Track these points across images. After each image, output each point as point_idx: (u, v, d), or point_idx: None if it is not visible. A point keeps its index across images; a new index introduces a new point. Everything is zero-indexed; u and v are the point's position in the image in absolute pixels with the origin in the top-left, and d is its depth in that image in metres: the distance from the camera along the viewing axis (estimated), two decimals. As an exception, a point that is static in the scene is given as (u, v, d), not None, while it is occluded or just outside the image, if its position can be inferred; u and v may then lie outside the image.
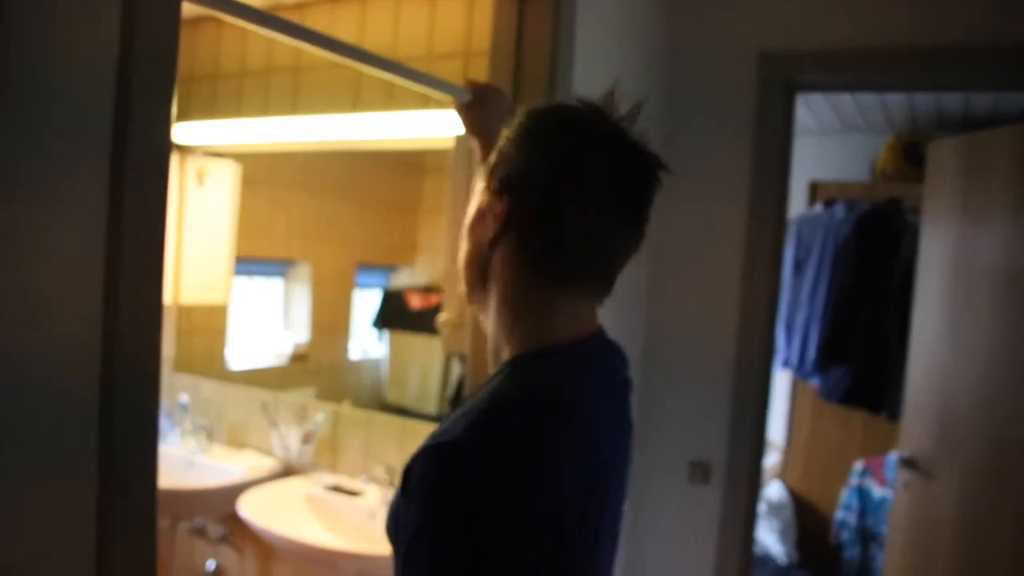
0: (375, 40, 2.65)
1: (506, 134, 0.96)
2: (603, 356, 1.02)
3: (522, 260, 0.93)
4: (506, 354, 0.95)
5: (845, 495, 3.65)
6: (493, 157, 0.97)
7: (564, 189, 0.91)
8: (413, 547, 0.80)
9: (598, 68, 1.96)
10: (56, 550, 0.97)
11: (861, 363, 3.49)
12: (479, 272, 0.97)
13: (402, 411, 2.90)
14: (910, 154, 3.54)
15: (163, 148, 1.06)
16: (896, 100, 3.46)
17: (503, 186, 0.93)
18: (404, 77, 1.50)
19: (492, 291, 0.96)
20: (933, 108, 3.55)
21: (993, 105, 3.42)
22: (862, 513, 3.61)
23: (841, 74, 2.29)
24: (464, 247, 0.99)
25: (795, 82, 2.30)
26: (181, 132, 3.10)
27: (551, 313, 0.93)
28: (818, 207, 3.81)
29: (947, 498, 2.52)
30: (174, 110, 1.06)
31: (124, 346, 1.00)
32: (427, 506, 0.79)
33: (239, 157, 3.17)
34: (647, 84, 2.30)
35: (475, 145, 1.56)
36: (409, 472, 0.83)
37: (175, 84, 1.06)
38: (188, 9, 1.08)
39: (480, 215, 0.97)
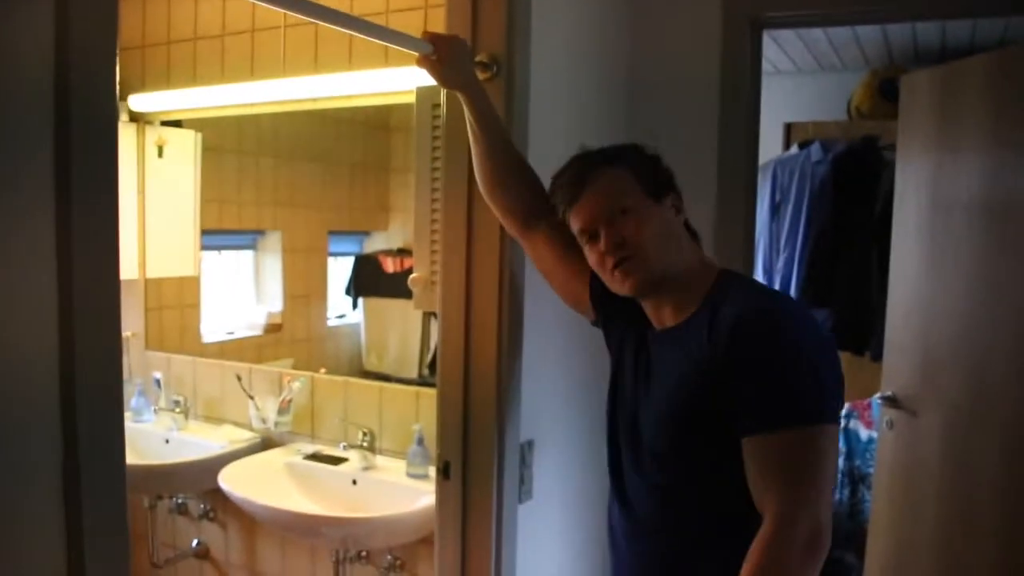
0: (330, -5, 2.57)
1: (636, 161, 1.39)
2: None
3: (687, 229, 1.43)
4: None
5: (832, 438, 3.64)
6: (637, 179, 1.36)
7: None
8: None
9: (557, 11, 1.89)
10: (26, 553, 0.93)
11: (843, 305, 3.45)
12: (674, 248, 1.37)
13: (382, 377, 2.85)
14: (886, 90, 3.48)
15: (109, 120, 1.01)
16: (871, 36, 3.39)
17: (662, 189, 1.38)
18: (363, 33, 1.48)
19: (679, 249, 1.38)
20: (909, 42, 3.48)
21: (969, 37, 3.35)
22: (849, 455, 3.60)
23: (809, 9, 2.22)
24: (656, 240, 1.34)
25: (762, 19, 2.23)
26: (137, 102, 3.01)
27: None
28: (794, 148, 3.75)
29: (931, 434, 2.51)
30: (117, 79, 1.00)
31: (82, 331, 0.98)
32: None
33: (201, 125, 3.09)
34: (609, 28, 2.23)
35: (460, 97, 1.57)
36: None
37: (116, 52, 1.00)
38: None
39: (659, 215, 1.35)
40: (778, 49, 3.57)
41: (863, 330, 3.41)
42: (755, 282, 1.39)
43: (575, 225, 1.39)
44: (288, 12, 1.33)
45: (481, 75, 1.69)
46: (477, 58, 1.69)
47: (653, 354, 1.42)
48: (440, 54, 1.49)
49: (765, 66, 3.69)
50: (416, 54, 1.50)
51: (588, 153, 1.43)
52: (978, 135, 2.37)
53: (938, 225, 2.51)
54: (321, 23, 1.39)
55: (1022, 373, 2.24)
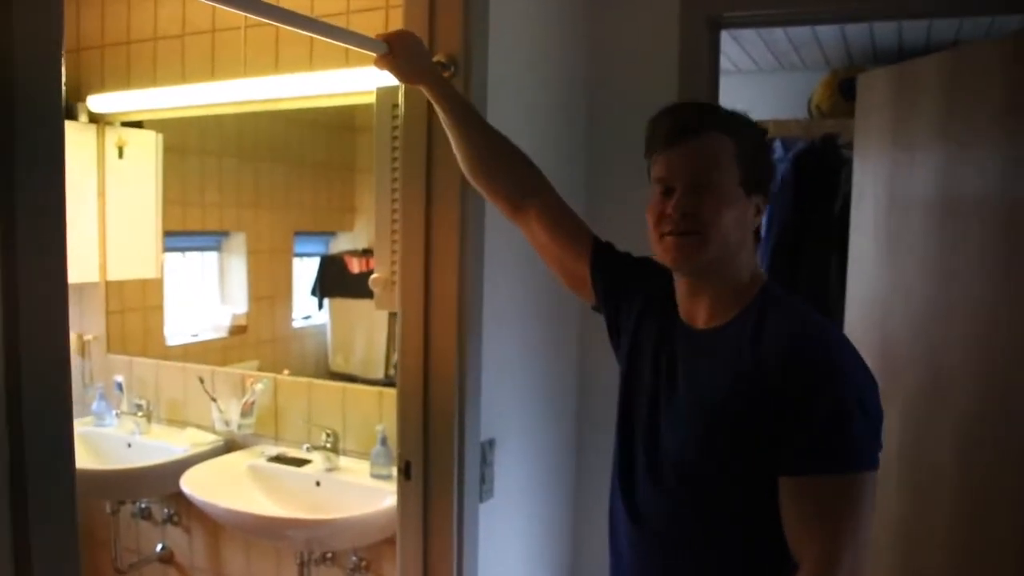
0: (291, -4, 2.56)
1: (746, 142, 1.24)
2: None
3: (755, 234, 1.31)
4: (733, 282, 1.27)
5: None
6: (737, 159, 1.22)
7: None
8: None
9: (515, 10, 1.90)
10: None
11: (805, 300, 3.48)
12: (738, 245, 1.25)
13: (349, 378, 2.84)
14: (845, 89, 3.52)
15: (54, 119, 0.97)
16: (830, 36, 3.43)
17: (756, 187, 1.25)
18: (319, 33, 1.47)
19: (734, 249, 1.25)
20: (867, 43, 3.53)
21: (925, 37, 3.41)
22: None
23: (767, 9, 2.25)
24: (727, 228, 1.21)
25: (720, 19, 2.25)
26: (96, 103, 2.98)
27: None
28: (755, 147, 3.78)
29: (890, 426, 2.50)
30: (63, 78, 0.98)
31: (29, 341, 0.94)
32: None
33: (163, 126, 3.06)
34: (568, 27, 2.24)
35: (424, 92, 1.55)
36: None
37: (61, 49, 0.98)
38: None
39: (741, 207, 1.23)
40: (739, 49, 3.61)
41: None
42: (798, 300, 1.27)
43: (655, 171, 1.26)
44: (244, 13, 1.33)
45: (439, 75, 1.69)
46: (435, 58, 1.69)
47: (680, 352, 1.31)
48: (394, 50, 1.48)
49: (727, 65, 3.75)
50: (374, 54, 1.50)
51: (706, 107, 1.33)
52: (931, 133, 2.41)
53: (894, 221, 2.54)
54: (276, 24, 1.38)
55: (976, 366, 2.28)
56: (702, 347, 1.27)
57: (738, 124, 1.26)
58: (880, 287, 2.60)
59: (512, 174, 1.56)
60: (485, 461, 1.86)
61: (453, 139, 1.56)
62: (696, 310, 1.30)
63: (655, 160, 1.26)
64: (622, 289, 1.46)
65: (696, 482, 1.25)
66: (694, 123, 1.22)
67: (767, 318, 1.21)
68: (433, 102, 1.54)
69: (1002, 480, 2.18)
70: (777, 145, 3.65)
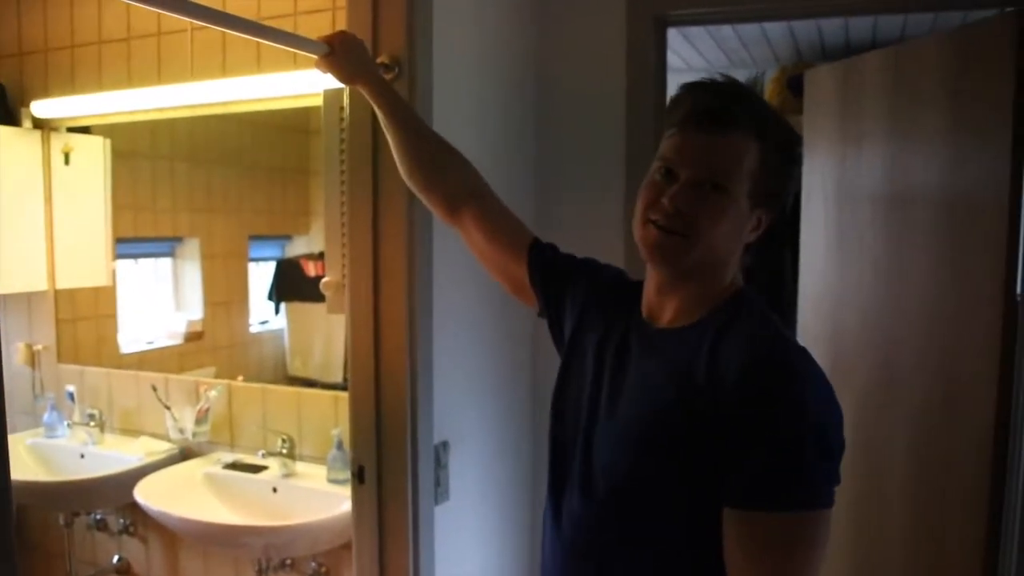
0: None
1: (772, 152, 1.12)
2: None
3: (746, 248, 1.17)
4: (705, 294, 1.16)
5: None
6: (755, 169, 1.10)
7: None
8: None
9: (460, 10, 1.90)
10: None
11: (775, 315, 3.52)
12: (726, 256, 1.15)
13: (308, 382, 2.82)
14: (793, 86, 3.57)
15: None
16: (779, 33, 3.47)
17: (763, 202, 1.13)
18: (261, 37, 1.46)
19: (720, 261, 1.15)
20: (816, 40, 3.57)
21: (871, 34, 3.46)
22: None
23: (712, 6, 2.26)
24: (718, 238, 1.11)
25: (666, 16, 2.26)
26: (40, 108, 2.93)
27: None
28: (708, 144, 3.81)
29: (844, 418, 2.57)
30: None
31: None
32: None
33: (111, 131, 3.02)
34: (514, 27, 2.24)
35: (364, 92, 1.52)
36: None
37: None
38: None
39: (740, 219, 1.12)
40: (690, 47, 3.64)
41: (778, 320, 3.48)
42: (768, 311, 1.15)
43: (664, 147, 1.13)
44: (185, 18, 1.31)
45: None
46: (378, 59, 1.68)
47: (634, 352, 1.20)
48: (334, 51, 1.47)
49: (676, 63, 3.77)
50: (315, 56, 1.49)
51: (746, 95, 1.14)
52: (877, 128, 2.45)
53: (844, 216, 2.58)
54: (217, 28, 1.37)
55: (927, 357, 2.32)
56: (656, 347, 1.17)
57: (774, 128, 1.14)
58: (831, 281, 2.64)
59: (449, 177, 1.52)
60: (439, 463, 1.85)
61: (392, 141, 1.54)
62: (662, 309, 1.19)
63: (669, 135, 1.13)
64: (562, 287, 1.37)
65: (627, 496, 1.14)
66: (728, 113, 1.09)
67: (733, 327, 1.10)
68: (373, 103, 1.53)
69: (954, 469, 2.22)
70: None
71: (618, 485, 1.14)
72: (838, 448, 1.06)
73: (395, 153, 1.54)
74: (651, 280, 1.21)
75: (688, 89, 1.13)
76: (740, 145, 1.08)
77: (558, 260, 1.42)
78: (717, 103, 1.10)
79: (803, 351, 1.09)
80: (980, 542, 2.09)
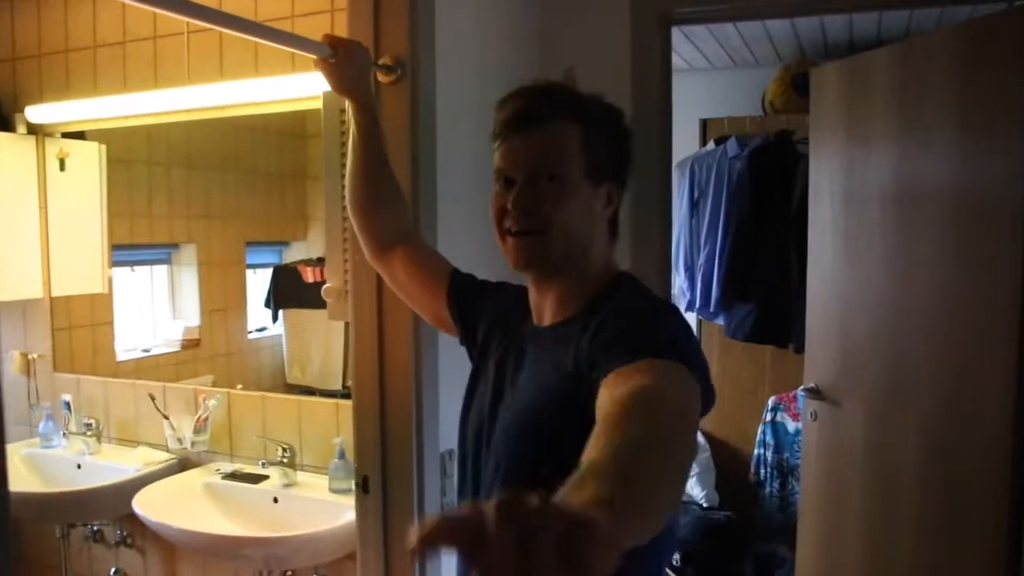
0: (234, 0, 2.50)
1: (597, 127, 1.17)
2: None
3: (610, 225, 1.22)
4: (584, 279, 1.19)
5: (760, 432, 3.68)
6: (584, 147, 1.14)
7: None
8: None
9: (463, 10, 1.86)
10: None
11: (765, 298, 3.49)
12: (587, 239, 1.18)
13: (306, 390, 2.78)
14: (798, 84, 3.53)
15: None
16: (781, 31, 3.44)
17: (605, 177, 1.18)
18: (262, 37, 1.44)
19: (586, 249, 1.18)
20: (819, 37, 3.54)
21: (876, 31, 3.43)
22: (778, 448, 3.65)
23: (716, 4, 2.24)
24: (571, 223, 1.14)
25: (670, 15, 2.23)
26: (34, 113, 2.89)
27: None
28: (710, 145, 3.78)
29: (854, 423, 2.54)
30: None
31: None
32: None
33: (106, 137, 2.98)
34: (517, 28, 2.21)
35: (348, 104, 1.51)
36: None
37: None
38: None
39: (587, 199, 1.15)
40: (692, 46, 3.60)
41: (785, 322, 3.45)
42: (644, 287, 1.20)
43: (496, 160, 1.18)
44: (187, 19, 1.28)
45: (385, 78, 1.66)
46: (380, 60, 1.65)
47: (528, 357, 1.22)
48: (338, 57, 1.44)
49: (680, 63, 3.74)
50: (315, 57, 1.46)
51: (556, 89, 1.19)
52: (885, 126, 2.41)
53: (852, 216, 2.54)
54: (217, 28, 1.34)
55: (937, 361, 2.28)
56: (541, 345, 1.20)
57: (590, 108, 1.18)
58: (840, 282, 2.60)
59: (391, 216, 1.54)
60: (445, 472, 1.82)
61: (354, 163, 1.52)
62: (544, 307, 1.23)
63: (496, 148, 1.19)
64: (475, 314, 1.40)
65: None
66: (537, 109, 1.15)
67: (605, 306, 1.12)
68: (353, 119, 1.50)
69: (968, 476, 2.18)
70: (732, 142, 3.65)
71: (511, 482, 1.13)
72: (699, 355, 1.03)
73: (351, 176, 1.54)
74: (529, 284, 1.26)
75: (501, 102, 1.19)
76: (560, 133, 1.14)
77: (472, 288, 1.45)
78: (525, 104, 1.16)
79: (674, 307, 1.16)
80: (998, 556, 2.05)
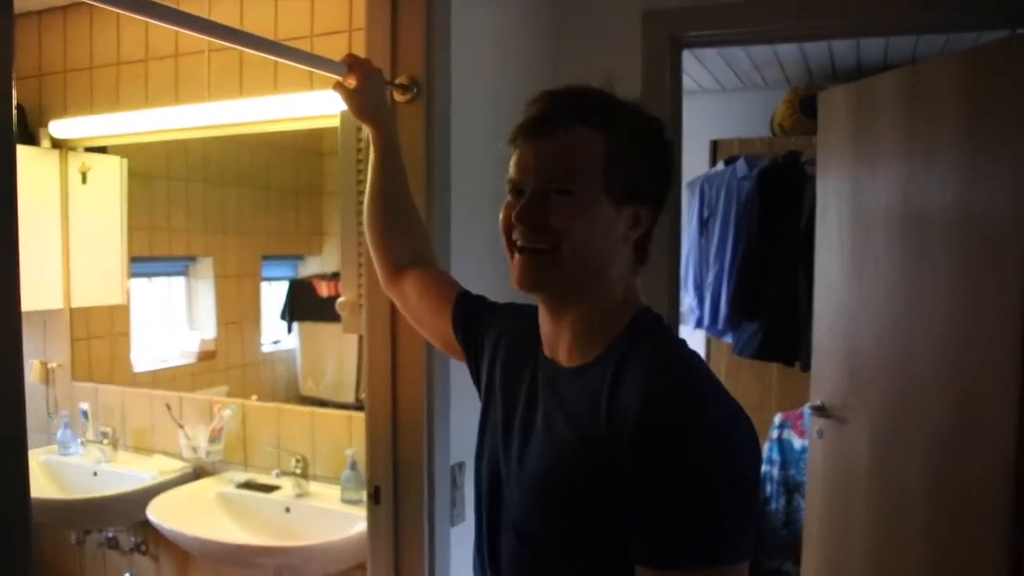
0: (255, 20, 2.56)
1: (624, 140, 1.02)
2: None
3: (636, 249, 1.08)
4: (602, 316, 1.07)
5: (766, 449, 3.70)
6: (605, 161, 1.01)
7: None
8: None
9: (478, 31, 1.91)
10: None
11: (772, 317, 3.52)
12: (602, 263, 1.05)
13: (320, 402, 2.82)
14: (806, 107, 3.58)
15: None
16: (790, 55, 3.49)
17: (632, 195, 1.04)
18: (282, 56, 1.48)
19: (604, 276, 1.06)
20: (826, 61, 3.59)
21: (882, 55, 3.47)
22: (784, 465, 3.66)
23: (727, 28, 2.28)
24: (583, 243, 1.03)
25: (682, 38, 2.28)
26: (58, 128, 2.95)
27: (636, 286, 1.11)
28: (720, 165, 3.83)
29: (860, 441, 2.57)
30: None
31: None
32: None
33: (127, 151, 3.05)
34: (531, 52, 2.26)
35: (368, 129, 1.53)
36: None
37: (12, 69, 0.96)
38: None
39: (605, 218, 1.03)
40: (702, 68, 3.65)
41: (792, 341, 3.48)
42: (670, 334, 1.09)
43: (509, 168, 1.08)
44: (205, 37, 1.32)
45: (401, 97, 1.69)
46: (397, 80, 1.69)
47: (542, 395, 1.11)
48: (356, 77, 1.47)
49: (690, 85, 3.79)
50: (334, 78, 1.50)
51: (584, 92, 1.06)
52: (891, 149, 2.45)
53: (859, 236, 2.58)
54: (238, 47, 1.38)
55: (942, 380, 2.31)
56: (559, 392, 1.08)
57: (621, 117, 1.05)
58: (847, 302, 2.63)
59: (408, 241, 1.52)
60: (455, 484, 1.84)
61: (374, 185, 1.51)
62: (558, 342, 1.11)
63: (512, 153, 1.08)
64: (480, 337, 1.32)
65: (547, 545, 1.06)
66: (555, 115, 1.03)
67: (629, 363, 1.00)
68: (373, 143, 1.52)
69: (974, 494, 2.19)
70: (741, 163, 3.69)
71: (536, 535, 1.07)
72: (753, 479, 0.97)
73: (370, 198, 1.52)
74: (541, 313, 1.14)
75: (525, 106, 1.08)
76: (580, 141, 1.02)
77: (479, 310, 1.37)
78: (541, 109, 1.04)
79: (705, 373, 1.00)
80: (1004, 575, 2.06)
